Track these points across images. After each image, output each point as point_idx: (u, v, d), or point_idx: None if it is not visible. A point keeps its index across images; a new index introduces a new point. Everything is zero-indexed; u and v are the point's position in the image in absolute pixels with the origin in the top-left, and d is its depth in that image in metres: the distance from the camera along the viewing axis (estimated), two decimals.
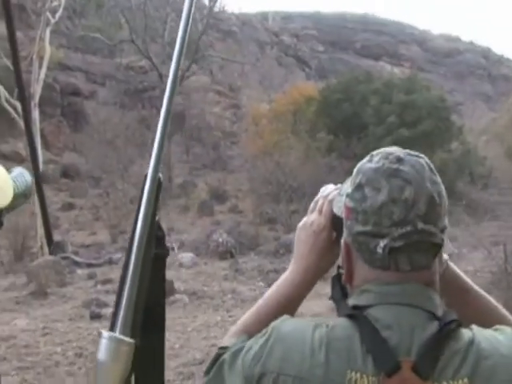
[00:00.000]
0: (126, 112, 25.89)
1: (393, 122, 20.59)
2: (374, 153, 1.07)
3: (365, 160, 1.07)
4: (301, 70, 43.23)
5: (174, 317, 8.46)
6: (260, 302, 1.19)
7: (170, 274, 10.67)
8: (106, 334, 0.92)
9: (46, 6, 17.44)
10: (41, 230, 13.30)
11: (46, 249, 12.53)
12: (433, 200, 1.01)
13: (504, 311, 1.20)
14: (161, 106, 1.04)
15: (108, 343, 0.91)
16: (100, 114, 23.79)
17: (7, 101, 16.62)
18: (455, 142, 22.60)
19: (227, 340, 1.12)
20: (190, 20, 1.13)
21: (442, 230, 1.03)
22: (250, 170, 22.95)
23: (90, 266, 12.62)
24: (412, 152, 1.06)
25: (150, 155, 1.04)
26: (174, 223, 19.53)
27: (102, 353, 0.90)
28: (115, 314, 0.94)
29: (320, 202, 1.21)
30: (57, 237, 12.91)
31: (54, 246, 11.56)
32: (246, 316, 1.18)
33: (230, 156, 27.85)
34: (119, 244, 16.23)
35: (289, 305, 1.16)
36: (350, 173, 1.13)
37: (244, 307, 8.15)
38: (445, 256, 1.21)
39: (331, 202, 1.18)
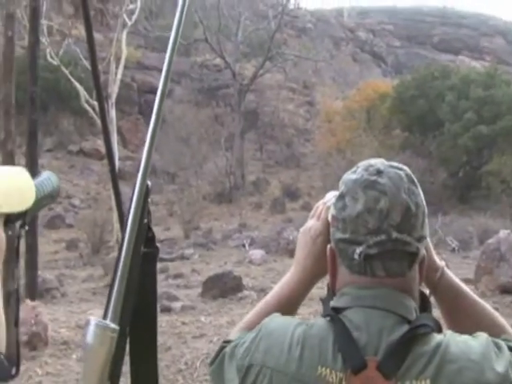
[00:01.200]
0: (200, 109, 26.35)
1: (470, 118, 19.97)
2: (360, 164, 1.13)
3: (350, 171, 1.13)
4: (377, 66, 42.60)
5: (241, 312, 8.55)
6: (263, 301, 1.27)
7: (239, 271, 10.82)
8: (93, 320, 1.02)
9: (123, 9, 17.99)
10: (117, 225, 13.76)
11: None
12: (408, 210, 1.05)
13: (500, 318, 1.21)
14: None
15: (95, 329, 1.01)
16: (175, 111, 24.30)
17: (87, 101, 17.27)
18: None
19: (232, 335, 1.20)
20: (183, 21, 1.18)
21: (419, 239, 1.07)
22: (322, 168, 22.88)
23: (162, 260, 12.93)
24: (394, 164, 1.11)
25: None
26: (246, 220, 19.75)
27: (90, 337, 1.01)
28: (107, 304, 1.04)
29: (319, 208, 1.26)
30: None
31: None
32: (250, 314, 1.26)
33: (303, 153, 27.83)
34: (192, 240, 16.57)
35: (287, 305, 1.23)
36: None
37: (311, 306, 8.13)
38: (441, 263, 1.24)
39: (328, 208, 1.21)
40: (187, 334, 7.49)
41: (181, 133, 22.31)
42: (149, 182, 1.14)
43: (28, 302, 6.64)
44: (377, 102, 23.71)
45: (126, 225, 1.07)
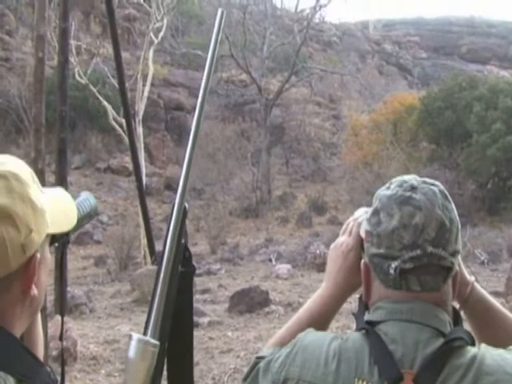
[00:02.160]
0: (226, 125, 26.51)
1: (498, 129, 19.73)
2: (393, 180, 1.16)
3: (384, 187, 1.16)
4: (403, 79, 42.42)
5: (268, 327, 8.55)
6: (295, 316, 1.30)
7: (266, 285, 10.80)
8: (135, 336, 1.08)
9: (150, 27, 18.27)
10: (144, 241, 13.87)
11: (148, 259, 13.04)
12: (443, 225, 1.08)
13: None
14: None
15: (137, 344, 1.07)
16: (202, 127, 24.47)
17: (114, 119, 17.52)
18: None
19: (265, 350, 1.23)
20: (219, 40, 1.24)
21: (453, 254, 1.09)
22: (349, 181, 22.80)
23: None
24: (427, 180, 1.14)
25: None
26: (273, 235, 19.74)
27: (132, 351, 1.07)
28: (147, 321, 1.10)
29: (350, 225, 1.30)
30: (159, 247, 13.40)
31: (156, 257, 12.00)
32: (282, 329, 1.29)
33: (330, 167, 27.77)
34: (218, 255, 16.60)
35: (319, 319, 1.26)
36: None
37: (339, 320, 8.09)
38: (471, 278, 1.26)
39: (359, 224, 1.26)
40: (214, 349, 7.50)
41: (207, 148, 22.46)
42: (186, 204, 1.19)
43: (58, 317, 6.73)
44: (403, 114, 23.58)
45: (165, 245, 1.13)
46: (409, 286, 1.08)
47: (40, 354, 1.14)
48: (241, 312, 9.38)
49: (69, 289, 9.39)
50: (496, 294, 7.68)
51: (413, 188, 1.10)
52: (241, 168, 23.75)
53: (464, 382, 1.01)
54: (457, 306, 1.27)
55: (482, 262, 13.47)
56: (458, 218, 1.12)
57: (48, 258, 1.06)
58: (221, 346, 7.66)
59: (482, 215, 19.79)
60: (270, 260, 14.95)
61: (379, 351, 1.04)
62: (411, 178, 1.14)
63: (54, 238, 1.08)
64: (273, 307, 9.57)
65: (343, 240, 1.29)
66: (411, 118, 22.97)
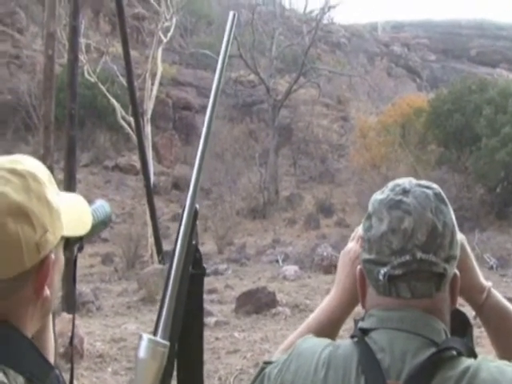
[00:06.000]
0: (234, 125, 26.50)
1: (508, 132, 19.61)
2: (388, 184, 1.13)
3: (379, 191, 1.13)
4: (412, 81, 42.29)
5: (275, 328, 8.53)
6: (305, 322, 1.30)
7: (273, 286, 10.78)
8: (145, 336, 1.07)
9: (159, 26, 18.29)
10: (151, 240, 13.88)
11: (155, 257, 13.05)
12: (434, 230, 1.04)
13: None
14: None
15: (147, 344, 1.06)
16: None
17: (123, 117, 17.55)
18: None
19: (274, 356, 1.22)
20: (230, 42, 1.23)
21: (446, 259, 1.05)
22: (357, 183, 22.74)
23: None
24: (423, 183, 1.10)
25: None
26: (280, 236, 19.72)
27: (142, 351, 1.06)
28: (157, 321, 1.09)
29: (359, 231, 1.27)
30: (166, 246, 13.37)
31: (163, 255, 12.01)
32: (292, 336, 1.28)
33: (338, 169, 27.71)
34: (225, 255, 16.60)
35: (329, 326, 1.26)
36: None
37: (346, 323, 8.08)
38: (488, 284, 1.22)
39: None
40: (221, 350, 7.49)
41: (215, 148, 22.45)
42: (197, 205, 1.20)
43: (65, 314, 6.73)
44: (412, 116, 23.49)
45: (175, 246, 1.12)
46: (399, 293, 1.05)
47: (51, 357, 1.14)
48: (248, 313, 9.37)
49: (76, 286, 9.39)
50: (505, 299, 7.63)
51: (404, 191, 1.07)
52: (248, 168, 23.73)
53: None
54: (473, 312, 1.24)
55: (491, 267, 13.40)
56: (454, 221, 1.07)
57: (62, 260, 1.06)
58: (227, 347, 7.65)
59: (491, 219, 19.69)
60: (277, 261, 14.93)
61: (367, 360, 1.02)
62: (405, 182, 1.11)
63: (68, 242, 1.08)
64: (280, 308, 9.55)
65: (351, 246, 1.28)
66: (420, 121, 22.89)
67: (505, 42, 47.26)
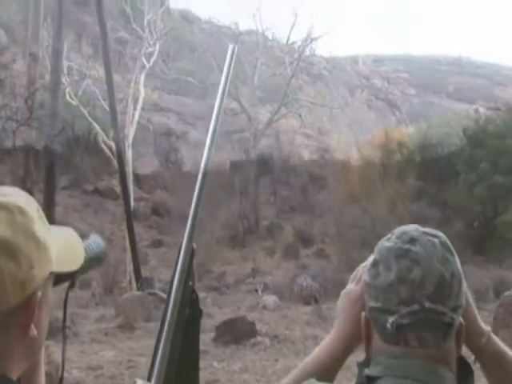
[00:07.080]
0: (215, 153, 26.47)
1: (485, 168, 19.91)
2: (395, 230, 1.13)
3: (385, 237, 1.13)
4: (391, 114, 42.89)
5: (254, 359, 8.43)
6: (304, 362, 1.28)
7: (252, 316, 10.69)
8: (140, 381, 1.05)
9: (142, 51, 18.36)
10: (130, 266, 13.72)
11: (134, 284, 12.89)
12: (442, 280, 1.05)
13: None
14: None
15: None
16: (190, 153, 24.47)
17: (104, 141, 17.47)
18: None
19: None
20: (230, 75, 1.21)
21: (454, 309, 1.06)
22: (337, 215, 22.80)
23: None
24: (429, 231, 1.11)
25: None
26: (259, 265, 19.62)
27: None
28: (152, 367, 1.05)
29: (359, 272, 1.26)
30: (145, 272, 13.30)
31: (142, 282, 11.87)
32: (288, 377, 1.26)
33: (318, 200, 27.77)
34: (204, 283, 16.44)
35: (326, 368, 1.23)
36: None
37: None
38: (487, 328, 1.21)
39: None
40: (200, 380, 7.35)
41: (196, 176, 22.40)
42: (194, 245, 1.16)
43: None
44: (392, 149, 23.77)
45: (171, 287, 1.09)
46: (407, 342, 1.05)
47: None
48: (227, 342, 9.26)
49: (52, 311, 9.19)
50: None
51: (412, 240, 1.08)
52: (229, 198, 23.71)
53: None
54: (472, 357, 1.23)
55: None
56: (461, 270, 1.08)
57: (50, 297, 1.00)
58: (206, 376, 7.53)
59: (469, 254, 19.80)
60: (257, 290, 14.84)
61: None
62: (412, 229, 1.11)
63: (58, 279, 1.03)
64: (259, 338, 9.48)
65: (351, 288, 1.26)
66: (399, 154, 23.16)
67: (481, 79, 48.30)
